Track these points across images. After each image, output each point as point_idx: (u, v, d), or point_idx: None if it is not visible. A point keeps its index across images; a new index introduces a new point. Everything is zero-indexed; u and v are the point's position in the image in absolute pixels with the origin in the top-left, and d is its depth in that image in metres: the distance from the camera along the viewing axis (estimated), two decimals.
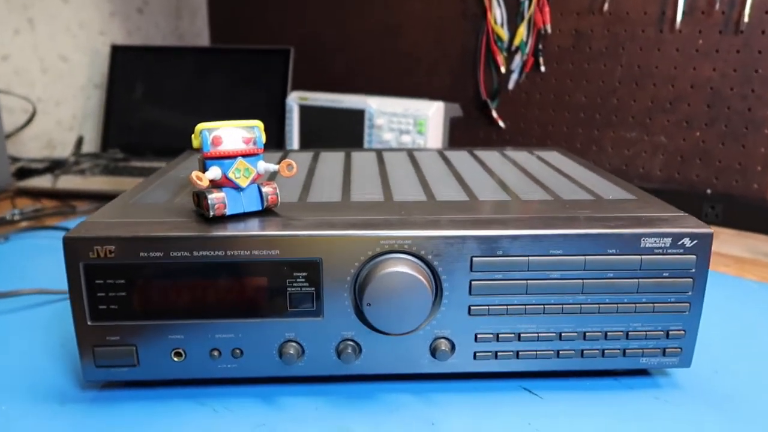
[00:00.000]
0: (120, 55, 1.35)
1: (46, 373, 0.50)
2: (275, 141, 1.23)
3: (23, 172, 1.16)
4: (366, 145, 1.06)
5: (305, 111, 1.13)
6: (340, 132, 1.09)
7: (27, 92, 1.24)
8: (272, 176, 0.60)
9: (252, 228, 0.44)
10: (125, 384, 0.49)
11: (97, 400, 0.47)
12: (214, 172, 0.45)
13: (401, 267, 0.43)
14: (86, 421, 0.44)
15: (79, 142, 1.30)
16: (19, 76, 1.23)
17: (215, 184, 0.46)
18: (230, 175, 0.45)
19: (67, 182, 1.10)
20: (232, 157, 0.45)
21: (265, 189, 0.47)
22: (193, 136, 0.45)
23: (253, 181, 0.46)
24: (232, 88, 1.31)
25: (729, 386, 0.49)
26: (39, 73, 1.27)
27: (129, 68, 1.35)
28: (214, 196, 0.45)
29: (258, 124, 0.47)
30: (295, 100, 1.14)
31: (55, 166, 1.19)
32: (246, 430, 0.43)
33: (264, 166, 0.46)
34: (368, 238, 0.44)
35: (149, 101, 1.33)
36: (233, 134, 0.45)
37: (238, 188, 0.46)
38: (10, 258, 0.77)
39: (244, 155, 0.45)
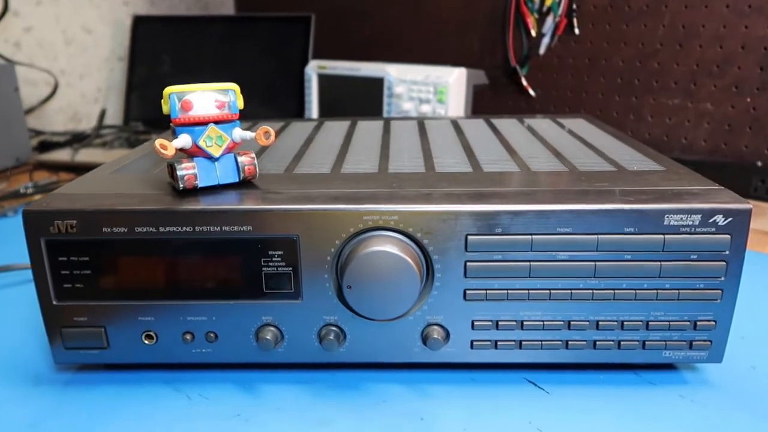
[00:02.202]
0: (142, 26, 1.33)
1: (25, 353, 0.48)
2: (295, 111, 1.20)
3: (45, 146, 1.15)
4: (385, 115, 1.01)
5: (324, 80, 1.08)
6: (359, 101, 1.04)
7: (50, 65, 1.23)
8: (265, 149, 0.56)
9: (223, 201, 0.40)
10: (102, 366, 0.46)
11: (71, 382, 0.44)
12: (183, 140, 0.41)
13: (385, 246, 0.38)
14: (56, 405, 0.42)
15: (102, 114, 1.29)
16: (42, 49, 1.22)
17: (187, 154, 0.42)
18: (201, 143, 0.41)
19: (88, 155, 1.09)
20: (204, 123, 0.41)
21: (241, 159, 0.43)
22: (162, 100, 0.41)
23: (228, 150, 0.42)
24: (255, 57, 1.27)
25: None
26: (62, 45, 1.26)
27: (151, 39, 1.33)
28: (184, 167, 0.41)
29: (233, 87, 0.42)
30: (313, 69, 1.09)
31: (77, 140, 1.18)
32: (219, 420, 0.40)
33: (240, 133, 0.42)
34: (350, 213, 0.39)
35: (172, 72, 1.31)
36: (205, 98, 0.41)
37: (211, 158, 0.42)
38: (17, 232, 0.76)
39: (217, 121, 0.41)
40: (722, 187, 0.41)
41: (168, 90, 0.41)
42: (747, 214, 0.38)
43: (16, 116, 1.05)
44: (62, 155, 1.09)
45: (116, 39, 1.35)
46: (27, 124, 1.10)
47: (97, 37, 1.31)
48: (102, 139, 1.19)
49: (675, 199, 0.39)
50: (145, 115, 1.30)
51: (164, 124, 0.46)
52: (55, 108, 1.26)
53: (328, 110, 1.10)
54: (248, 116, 0.58)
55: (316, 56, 1.18)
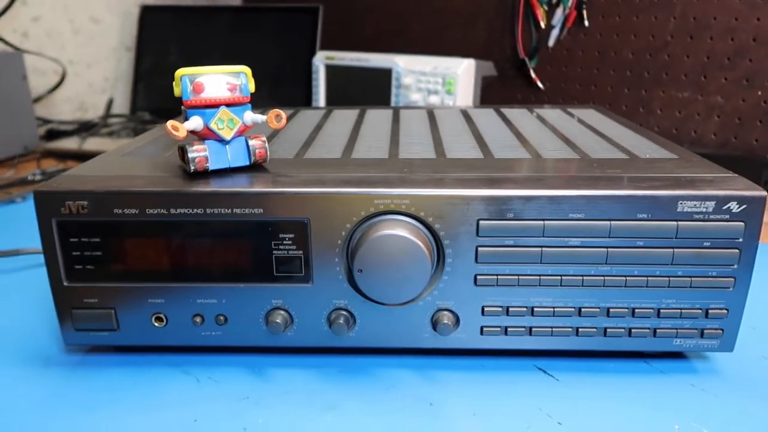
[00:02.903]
0: (150, 16, 1.33)
1: (35, 335, 0.48)
2: (303, 102, 1.19)
3: (53, 134, 1.16)
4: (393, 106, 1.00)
5: (331, 71, 1.08)
6: (367, 92, 1.04)
7: (58, 54, 1.23)
8: (275, 133, 0.56)
9: (234, 184, 0.40)
10: (112, 348, 0.46)
11: (81, 364, 0.45)
12: (195, 123, 0.40)
13: (396, 229, 0.38)
14: (66, 385, 0.42)
15: (109, 104, 1.29)
16: (51, 38, 1.22)
17: (198, 136, 0.42)
18: (212, 125, 0.41)
19: (95, 144, 1.10)
20: (215, 106, 0.41)
21: (252, 142, 0.43)
22: (174, 83, 0.41)
23: (239, 134, 0.42)
24: (263, 48, 1.27)
25: None
26: (70, 35, 1.26)
27: (159, 29, 1.32)
28: (195, 149, 0.41)
29: (245, 70, 0.42)
30: (321, 59, 1.09)
31: (84, 128, 1.18)
32: (228, 402, 0.40)
33: (251, 116, 0.42)
34: (362, 196, 0.39)
35: (179, 62, 1.30)
36: (216, 81, 0.41)
37: (222, 141, 0.42)
38: (25, 218, 0.76)
39: (229, 104, 0.41)
40: (736, 175, 0.41)
41: (180, 72, 0.41)
42: (762, 202, 0.38)
43: (24, 104, 1.05)
44: (70, 143, 1.09)
45: (124, 29, 1.35)
46: (35, 112, 1.10)
47: (104, 26, 1.31)
48: (109, 129, 1.19)
49: (688, 185, 0.39)
50: (152, 105, 1.30)
51: (171, 115, 0.46)
52: (63, 97, 1.26)
53: (336, 101, 1.10)
54: (256, 106, 0.58)
55: (324, 47, 1.18)
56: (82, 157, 1.04)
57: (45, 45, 1.21)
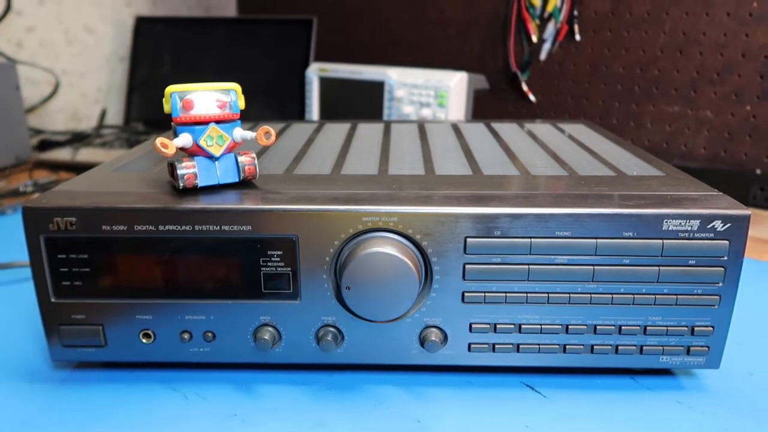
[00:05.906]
0: (144, 27, 1.33)
1: (22, 350, 0.48)
2: (297, 113, 1.20)
3: (46, 145, 1.15)
4: (385, 118, 1.01)
5: (325, 83, 1.09)
6: (360, 105, 1.04)
7: (52, 64, 1.23)
8: (266, 147, 0.56)
9: (223, 201, 0.40)
10: (99, 365, 0.46)
11: (67, 380, 0.44)
12: (184, 139, 0.41)
13: (384, 247, 0.38)
14: (52, 401, 0.42)
15: (103, 114, 1.29)
16: (44, 48, 1.22)
17: (188, 153, 0.42)
18: (201, 142, 0.41)
19: (88, 155, 1.10)
20: (205, 123, 0.41)
21: (242, 159, 0.43)
22: (163, 99, 0.41)
23: (228, 150, 0.42)
24: (257, 59, 1.27)
25: (765, 391, 0.43)
26: (64, 45, 1.26)
27: (153, 40, 1.33)
28: (184, 166, 0.41)
29: (235, 87, 0.43)
30: (314, 71, 1.10)
31: (77, 139, 1.18)
32: (216, 419, 0.40)
33: (240, 133, 0.42)
34: (350, 214, 0.39)
35: (173, 74, 1.31)
36: (206, 98, 0.41)
37: (211, 157, 0.42)
38: (16, 230, 0.76)
39: (218, 121, 0.41)
40: (721, 193, 0.41)
41: (169, 89, 0.41)
42: (745, 220, 0.39)
43: (17, 115, 1.05)
44: (62, 154, 1.09)
45: (118, 39, 1.35)
46: (27, 123, 1.10)
47: (98, 37, 1.31)
48: (102, 139, 1.19)
49: (674, 204, 0.39)
50: (145, 116, 1.30)
51: (165, 125, 0.46)
52: (56, 107, 1.26)
53: (329, 113, 1.10)
54: (249, 118, 0.58)
55: (318, 59, 1.19)
56: (75, 168, 1.04)
57: (39, 55, 1.21)
